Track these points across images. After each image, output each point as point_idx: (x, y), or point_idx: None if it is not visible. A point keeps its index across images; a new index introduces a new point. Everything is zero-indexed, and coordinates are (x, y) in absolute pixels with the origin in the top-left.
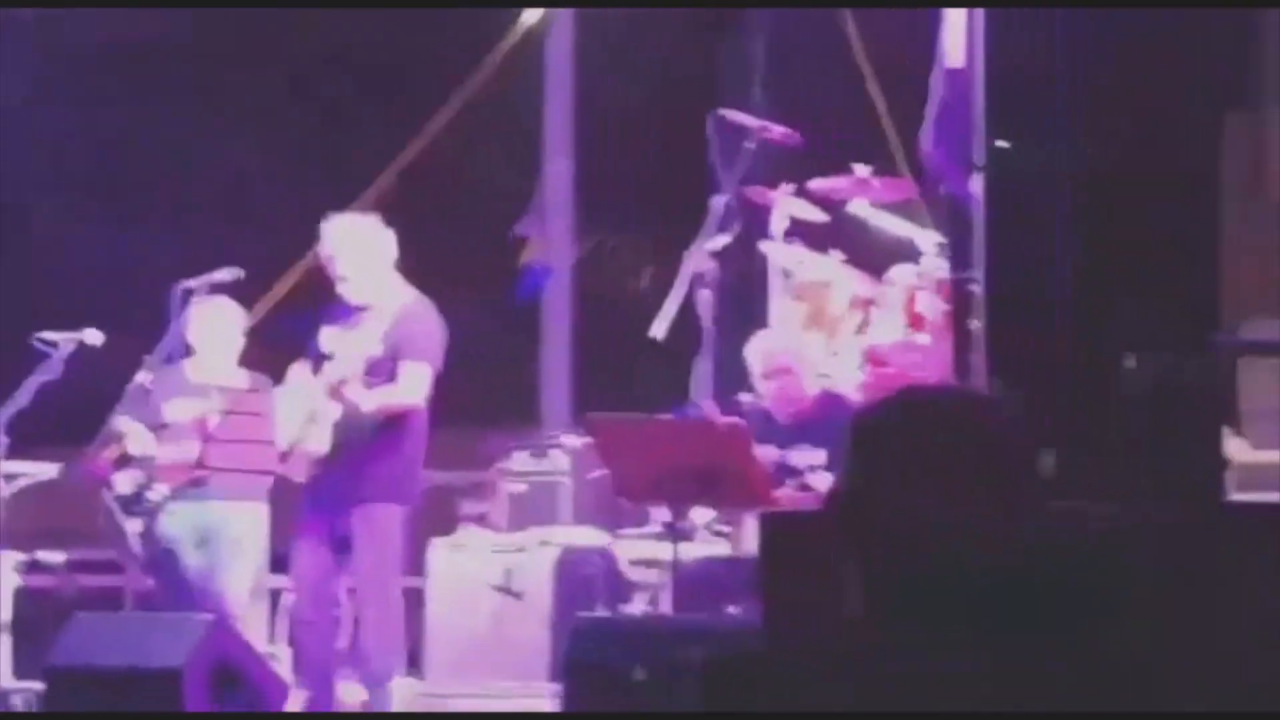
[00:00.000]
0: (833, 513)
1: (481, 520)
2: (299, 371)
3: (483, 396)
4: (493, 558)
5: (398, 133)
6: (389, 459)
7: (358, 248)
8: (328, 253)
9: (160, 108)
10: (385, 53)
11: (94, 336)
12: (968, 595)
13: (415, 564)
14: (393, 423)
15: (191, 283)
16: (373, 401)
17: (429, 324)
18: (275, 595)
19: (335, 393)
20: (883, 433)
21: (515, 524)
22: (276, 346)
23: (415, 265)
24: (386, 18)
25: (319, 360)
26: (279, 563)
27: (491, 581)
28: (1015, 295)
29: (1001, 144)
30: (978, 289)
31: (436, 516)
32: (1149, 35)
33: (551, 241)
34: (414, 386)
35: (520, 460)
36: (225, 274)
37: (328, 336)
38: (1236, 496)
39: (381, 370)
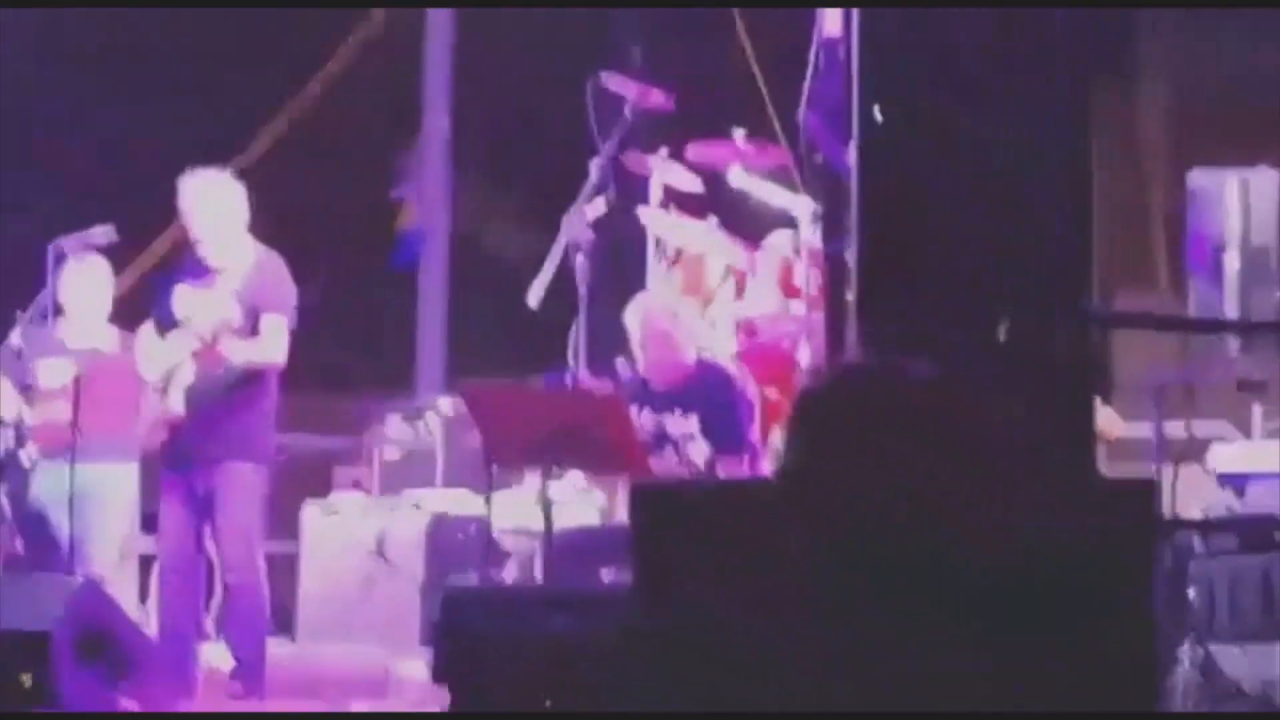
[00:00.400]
0: (778, 486)
1: (355, 485)
2: (146, 333)
3: (358, 361)
4: (366, 522)
5: (278, 89)
6: (246, 416)
7: (211, 206)
8: (183, 209)
9: (42, 64)
10: (266, 8)
11: None
12: (915, 573)
13: (288, 527)
14: (251, 379)
15: (65, 242)
16: (243, 355)
17: (283, 279)
18: (147, 559)
19: (207, 348)
20: (827, 408)
21: (389, 489)
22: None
23: (293, 226)
24: None
25: (165, 321)
26: (150, 524)
27: (364, 546)
28: (886, 266)
29: (876, 114)
30: (851, 259)
31: (311, 480)
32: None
33: (428, 204)
34: (278, 341)
35: (394, 425)
36: (100, 233)
37: (181, 297)
38: (1107, 470)
39: (238, 329)
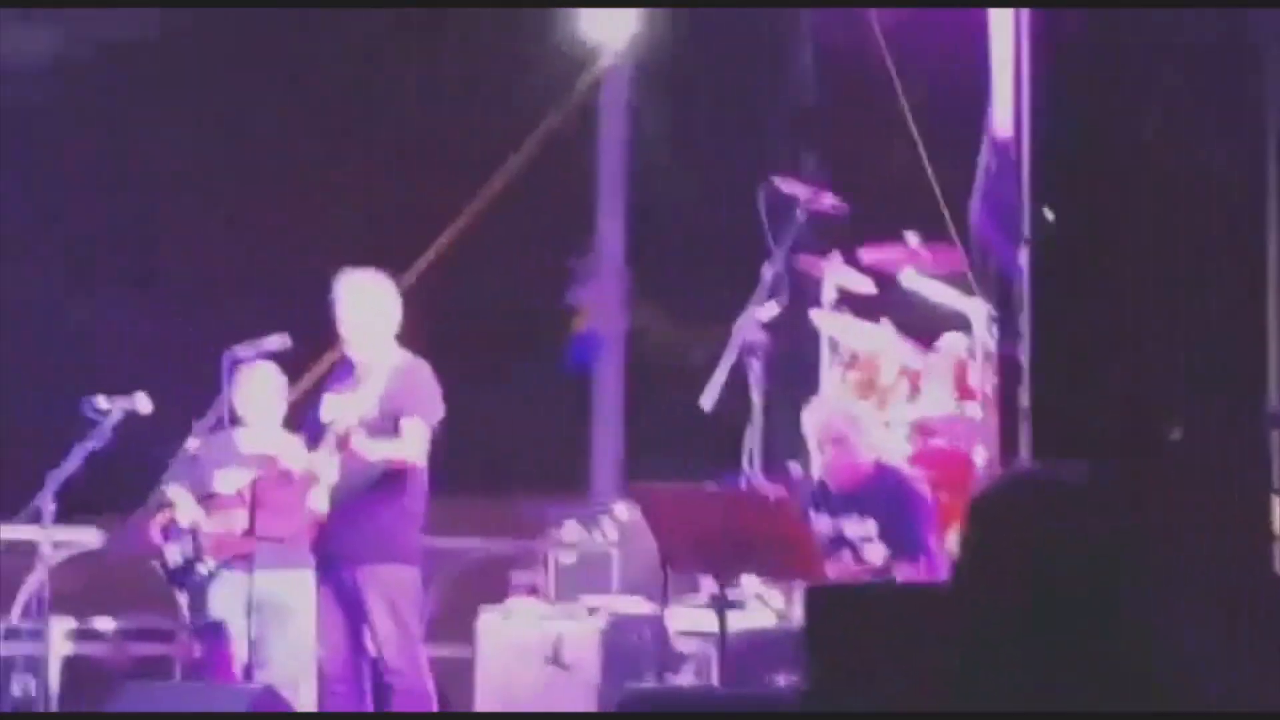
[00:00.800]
0: (954, 589)
1: (531, 590)
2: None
3: (534, 465)
4: (541, 627)
5: (454, 197)
6: (387, 515)
7: (362, 305)
8: (336, 307)
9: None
10: (443, 115)
11: (144, 403)
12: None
13: (464, 633)
14: (392, 479)
15: (240, 350)
16: (378, 453)
17: (426, 382)
18: None
19: (342, 444)
20: (993, 515)
21: (564, 593)
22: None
23: (469, 331)
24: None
25: (315, 433)
26: None
27: (540, 652)
28: (1059, 368)
29: (1048, 214)
30: (1024, 360)
31: (486, 585)
32: (1197, 106)
33: (603, 307)
34: (416, 441)
35: (570, 529)
36: (274, 341)
37: (327, 403)
38: None
39: (379, 431)
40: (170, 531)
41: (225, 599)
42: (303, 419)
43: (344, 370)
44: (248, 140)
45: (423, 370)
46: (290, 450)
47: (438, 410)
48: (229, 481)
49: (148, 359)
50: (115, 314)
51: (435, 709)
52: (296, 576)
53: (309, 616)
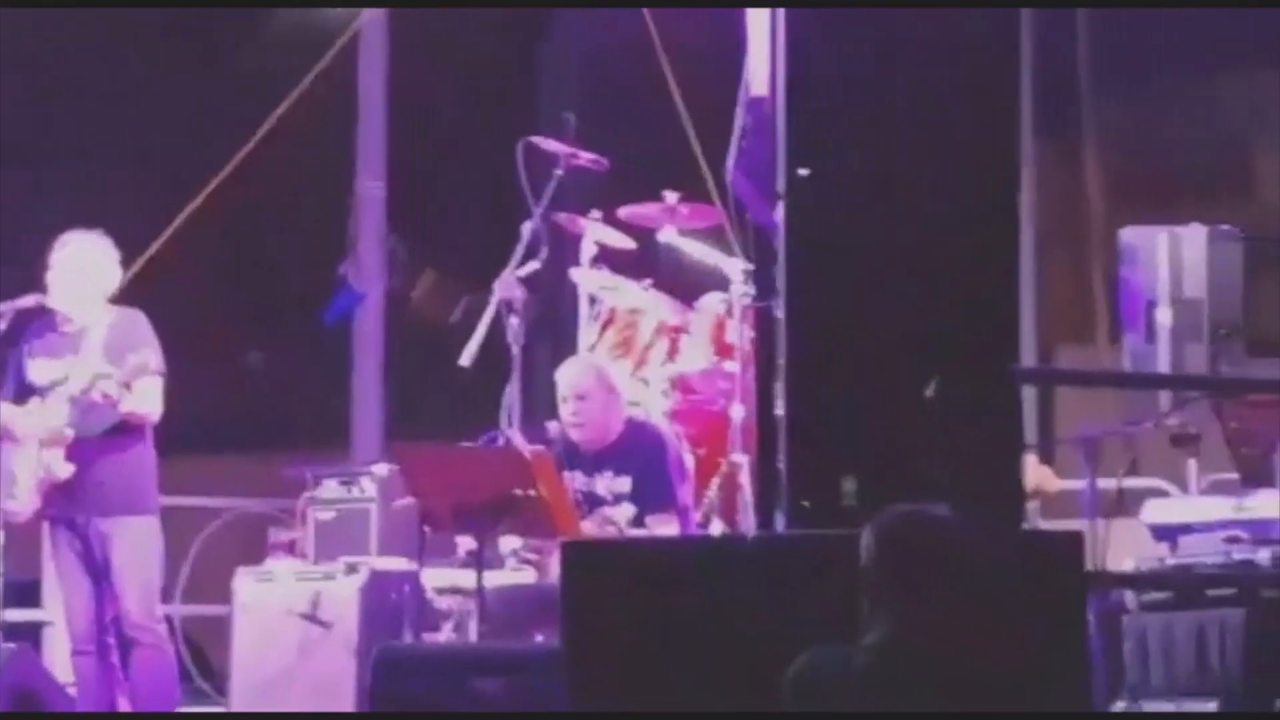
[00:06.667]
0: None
1: (290, 548)
2: (7, 411)
3: (294, 424)
4: (299, 586)
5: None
6: (130, 468)
7: (78, 265)
8: (52, 270)
9: None
10: (198, 76)
11: None
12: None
13: (223, 592)
14: (131, 432)
15: None
16: (127, 405)
17: (149, 334)
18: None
19: (82, 403)
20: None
21: (323, 552)
22: None
23: (227, 291)
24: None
25: (22, 393)
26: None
27: (298, 610)
28: (813, 323)
29: (802, 172)
30: (780, 316)
31: (246, 544)
32: (950, 69)
33: (363, 266)
34: (155, 393)
35: (329, 488)
36: (29, 300)
37: (41, 367)
38: (1041, 524)
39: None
40: None
41: None
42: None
43: (42, 328)
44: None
45: (141, 321)
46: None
47: (162, 361)
48: None
49: None
50: None
51: (173, 661)
52: None
53: None
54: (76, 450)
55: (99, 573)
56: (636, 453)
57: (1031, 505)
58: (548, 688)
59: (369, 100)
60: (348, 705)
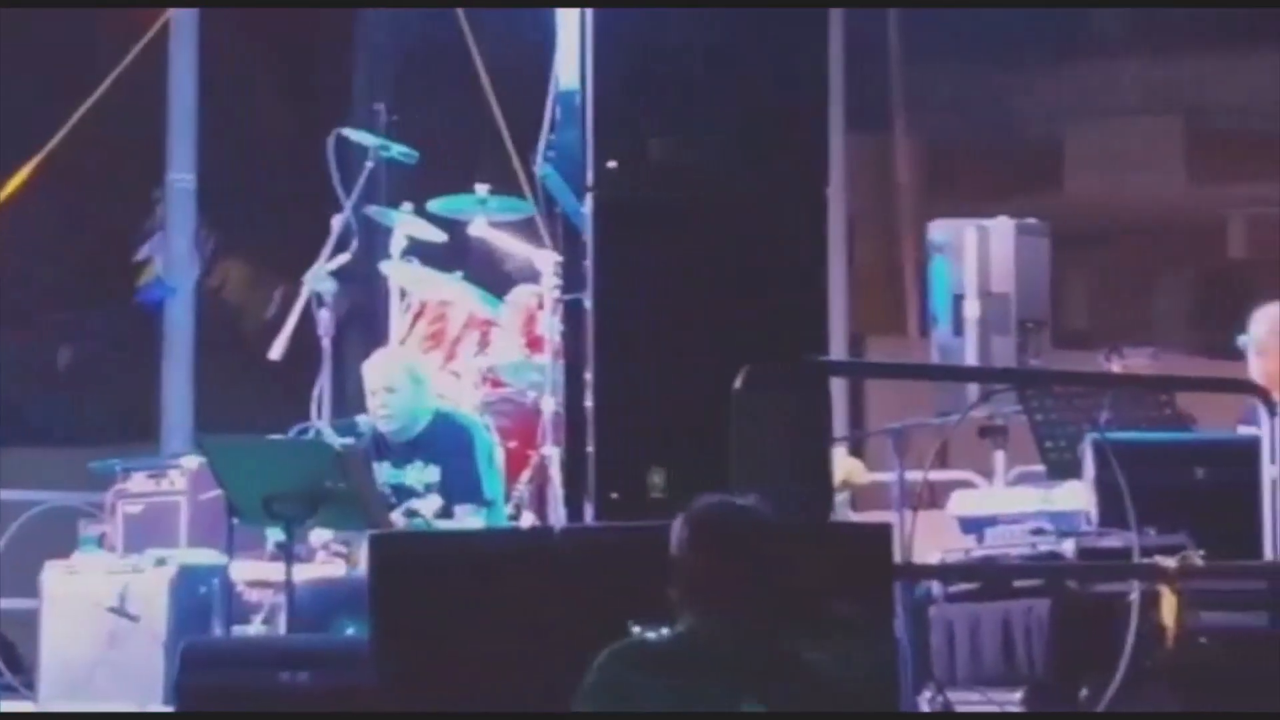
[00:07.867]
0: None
1: (100, 541)
2: None
3: (103, 417)
4: (108, 579)
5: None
6: None
7: None
8: None
9: None
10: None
11: None
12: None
13: (31, 585)
14: None
15: None
16: None
17: None
18: None
19: None
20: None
21: (132, 545)
22: None
23: (34, 284)
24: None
25: None
26: None
27: (106, 603)
28: (622, 315)
29: (610, 165)
30: (589, 307)
31: (55, 538)
32: (759, 61)
33: (173, 258)
34: None
35: (138, 481)
36: None
37: None
38: (851, 516)
39: None
40: None
41: None
42: None
43: None
44: None
45: None
46: None
47: None
48: None
49: None
50: None
51: None
52: None
53: None
54: None
55: None
56: (445, 444)
57: (841, 497)
58: (356, 681)
59: (179, 91)
60: (156, 699)
